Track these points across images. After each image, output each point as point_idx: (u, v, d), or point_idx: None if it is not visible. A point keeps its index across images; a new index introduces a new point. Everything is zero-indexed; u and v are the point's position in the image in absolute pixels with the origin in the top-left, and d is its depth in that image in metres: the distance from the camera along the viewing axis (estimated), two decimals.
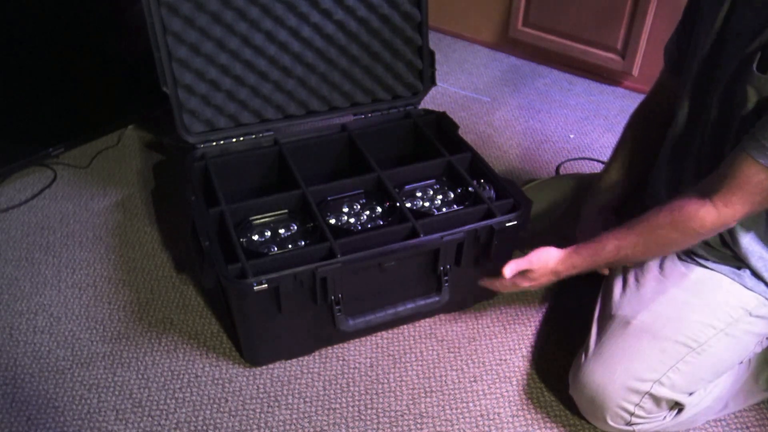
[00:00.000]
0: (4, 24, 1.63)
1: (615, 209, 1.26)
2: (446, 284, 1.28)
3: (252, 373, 1.27)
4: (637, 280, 1.13)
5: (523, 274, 1.12)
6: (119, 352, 1.31)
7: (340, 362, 1.29)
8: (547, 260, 1.10)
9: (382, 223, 1.32)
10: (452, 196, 1.40)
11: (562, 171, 1.85)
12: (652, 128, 1.22)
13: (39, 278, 1.48)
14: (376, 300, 1.26)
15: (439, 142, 1.49)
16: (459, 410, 1.20)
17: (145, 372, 1.27)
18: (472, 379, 1.26)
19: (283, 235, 1.28)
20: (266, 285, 1.10)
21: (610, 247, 1.04)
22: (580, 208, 1.32)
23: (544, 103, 2.19)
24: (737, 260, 1.07)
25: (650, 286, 1.11)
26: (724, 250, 1.07)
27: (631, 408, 1.05)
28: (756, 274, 1.06)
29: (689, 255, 1.11)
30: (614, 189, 1.26)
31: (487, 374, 1.27)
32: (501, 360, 1.30)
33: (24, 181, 1.78)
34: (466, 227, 1.23)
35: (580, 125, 2.07)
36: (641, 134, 1.26)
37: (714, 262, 1.08)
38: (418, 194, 1.40)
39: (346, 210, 1.35)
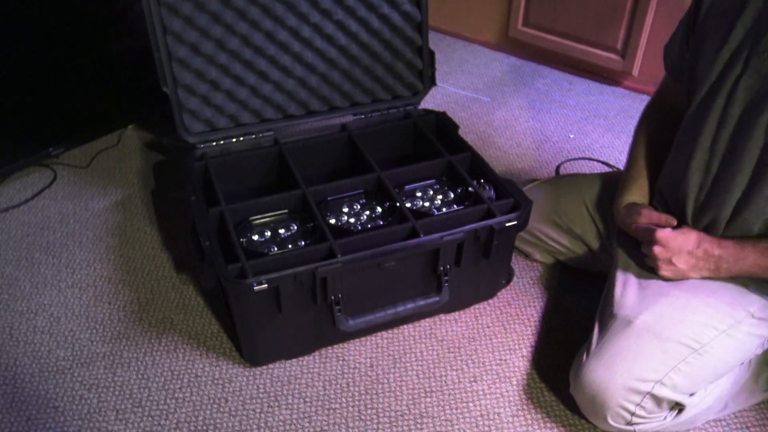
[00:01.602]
0: (4, 24, 1.63)
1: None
2: (446, 284, 1.28)
3: (252, 373, 1.27)
4: (639, 280, 1.13)
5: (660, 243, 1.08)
6: (119, 352, 1.31)
7: (340, 362, 1.29)
8: (687, 232, 1.07)
9: (382, 223, 1.32)
10: (452, 196, 1.40)
11: (562, 171, 1.85)
12: (666, 129, 1.21)
13: (39, 278, 1.48)
14: (376, 300, 1.26)
15: (439, 142, 1.49)
16: (459, 410, 1.20)
17: (145, 372, 1.27)
18: (472, 379, 1.26)
19: (283, 235, 1.28)
20: (266, 285, 1.10)
21: (752, 259, 1.03)
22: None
23: (544, 103, 2.19)
24: None
25: (653, 286, 1.11)
26: None
27: (632, 408, 1.04)
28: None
29: None
30: (643, 191, 1.23)
31: (487, 374, 1.27)
32: (501, 360, 1.30)
33: (24, 181, 1.78)
34: (466, 227, 1.22)
35: (580, 125, 2.07)
36: (657, 135, 1.25)
37: None
38: (418, 194, 1.40)
39: (346, 210, 1.35)
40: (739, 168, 1.00)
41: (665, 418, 1.09)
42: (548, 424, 1.18)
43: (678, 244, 1.07)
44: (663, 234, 1.08)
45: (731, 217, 1.05)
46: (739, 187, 1.02)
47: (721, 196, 1.04)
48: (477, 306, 1.42)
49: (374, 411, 1.20)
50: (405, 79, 1.60)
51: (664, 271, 1.09)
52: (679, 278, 1.10)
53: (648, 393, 1.03)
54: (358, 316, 1.24)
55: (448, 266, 1.27)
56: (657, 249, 1.08)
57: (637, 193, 1.22)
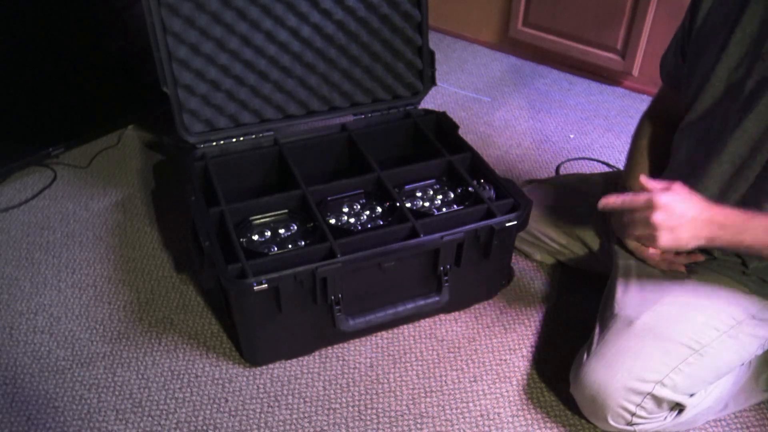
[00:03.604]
0: (4, 24, 1.63)
1: None
2: (446, 284, 1.28)
3: (252, 373, 1.27)
4: (640, 280, 1.13)
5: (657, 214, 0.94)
6: (119, 352, 1.31)
7: (340, 362, 1.29)
8: (687, 196, 0.94)
9: (382, 223, 1.32)
10: (452, 196, 1.40)
11: (562, 171, 1.85)
12: (664, 137, 1.21)
13: (39, 278, 1.48)
14: (376, 300, 1.26)
15: (439, 142, 1.49)
16: (459, 410, 1.20)
17: (145, 372, 1.27)
18: (472, 379, 1.26)
19: (283, 235, 1.28)
20: (266, 285, 1.10)
21: (760, 224, 0.93)
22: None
23: (544, 103, 2.19)
24: (744, 266, 1.07)
25: (653, 287, 1.11)
26: (734, 258, 1.08)
27: (632, 408, 1.04)
28: (761, 278, 1.07)
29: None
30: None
31: (487, 374, 1.27)
32: (501, 360, 1.30)
33: (24, 181, 1.78)
34: (466, 227, 1.22)
35: (580, 125, 2.07)
36: (655, 143, 1.25)
37: (717, 271, 1.09)
38: (418, 194, 1.40)
39: (346, 210, 1.35)
40: (747, 173, 1.00)
41: (665, 418, 1.09)
42: (548, 424, 1.18)
43: (682, 209, 0.93)
44: (665, 198, 0.92)
45: None
46: (744, 196, 1.02)
47: (727, 200, 1.04)
48: (477, 306, 1.42)
49: (374, 411, 1.20)
50: (405, 79, 1.60)
51: (664, 239, 0.93)
52: (676, 247, 1.00)
53: (648, 393, 1.03)
54: (358, 316, 1.24)
55: (448, 266, 1.27)
56: (658, 217, 0.92)
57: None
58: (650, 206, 0.93)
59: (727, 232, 0.93)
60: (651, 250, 1.14)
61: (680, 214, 0.92)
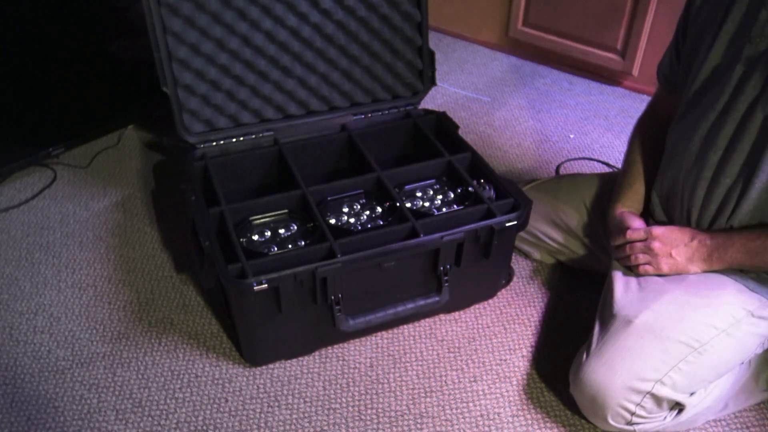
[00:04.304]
0: (5, 24, 1.63)
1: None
2: (446, 284, 1.28)
3: (252, 373, 1.27)
4: (638, 279, 1.13)
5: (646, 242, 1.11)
6: (119, 352, 1.31)
7: (340, 362, 1.29)
8: (680, 228, 1.11)
9: (382, 223, 1.32)
10: (452, 196, 1.40)
11: (562, 171, 1.85)
12: (661, 137, 1.21)
13: (39, 278, 1.48)
14: (376, 300, 1.26)
15: (439, 142, 1.49)
16: (459, 410, 1.20)
17: (145, 372, 1.27)
18: (472, 379, 1.26)
19: (283, 235, 1.28)
20: (266, 285, 1.10)
21: (738, 244, 1.04)
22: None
23: (544, 103, 2.19)
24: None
25: (652, 286, 1.11)
26: None
27: (632, 408, 1.04)
28: (760, 276, 1.07)
29: None
30: (638, 197, 1.24)
31: (487, 374, 1.27)
32: (501, 360, 1.30)
33: (24, 181, 1.78)
34: (466, 227, 1.22)
35: (580, 125, 2.07)
36: (652, 143, 1.25)
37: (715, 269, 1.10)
38: (418, 194, 1.40)
39: (346, 210, 1.35)
40: (736, 158, 1.01)
41: (665, 418, 1.09)
42: (548, 424, 1.18)
43: (675, 237, 1.10)
44: (659, 230, 1.11)
45: (734, 208, 1.04)
46: (737, 177, 1.02)
47: (720, 187, 1.04)
48: (477, 306, 1.42)
49: (374, 411, 1.20)
50: (405, 79, 1.60)
51: (664, 265, 1.10)
52: (677, 272, 1.11)
53: (648, 392, 1.03)
54: (358, 316, 1.24)
55: (448, 266, 1.27)
56: (656, 245, 1.10)
57: (632, 198, 1.22)
58: (649, 238, 1.11)
59: (716, 251, 1.07)
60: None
61: (674, 241, 1.09)
